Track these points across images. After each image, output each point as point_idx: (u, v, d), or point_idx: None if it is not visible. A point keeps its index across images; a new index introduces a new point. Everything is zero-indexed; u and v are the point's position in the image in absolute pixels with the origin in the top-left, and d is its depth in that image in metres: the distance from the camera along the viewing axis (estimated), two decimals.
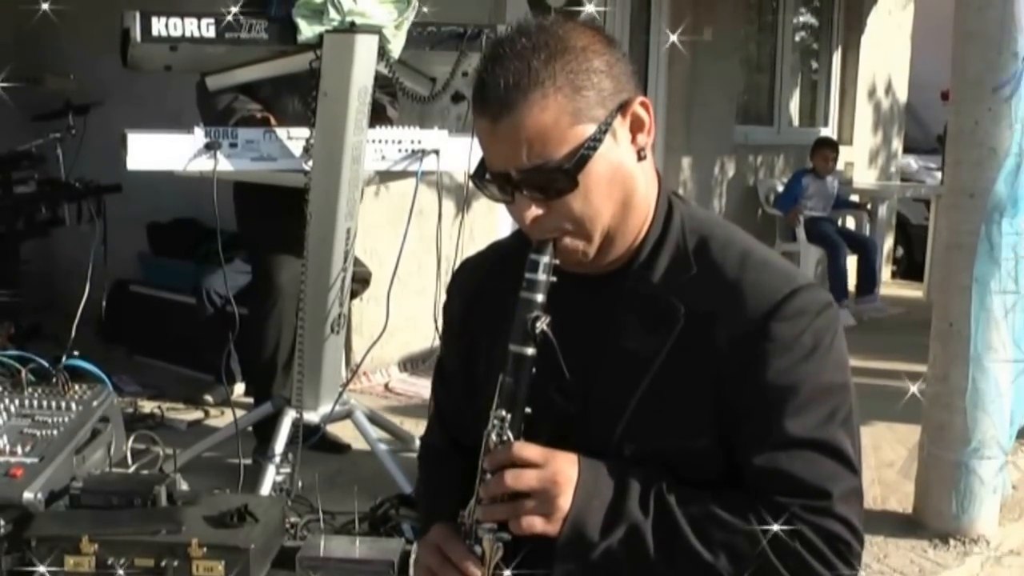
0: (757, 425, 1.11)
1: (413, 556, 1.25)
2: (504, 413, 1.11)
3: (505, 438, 1.11)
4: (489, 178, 1.13)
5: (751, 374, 1.10)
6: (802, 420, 1.10)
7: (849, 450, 1.13)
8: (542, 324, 1.10)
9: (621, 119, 1.11)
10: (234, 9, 2.52)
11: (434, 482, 1.36)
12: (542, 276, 1.11)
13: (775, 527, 1.09)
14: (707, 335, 1.11)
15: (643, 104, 1.12)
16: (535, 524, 1.10)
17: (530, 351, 1.11)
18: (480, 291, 1.28)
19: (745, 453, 1.12)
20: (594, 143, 1.08)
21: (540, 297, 1.10)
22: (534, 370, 1.12)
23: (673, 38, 5.48)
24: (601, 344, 1.16)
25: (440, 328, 1.42)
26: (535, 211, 1.10)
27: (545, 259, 1.11)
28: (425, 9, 2.75)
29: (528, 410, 1.12)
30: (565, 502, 1.09)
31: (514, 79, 1.06)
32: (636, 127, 1.12)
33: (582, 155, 1.07)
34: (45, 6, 2.19)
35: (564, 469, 1.10)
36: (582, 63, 1.08)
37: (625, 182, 1.12)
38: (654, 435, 1.13)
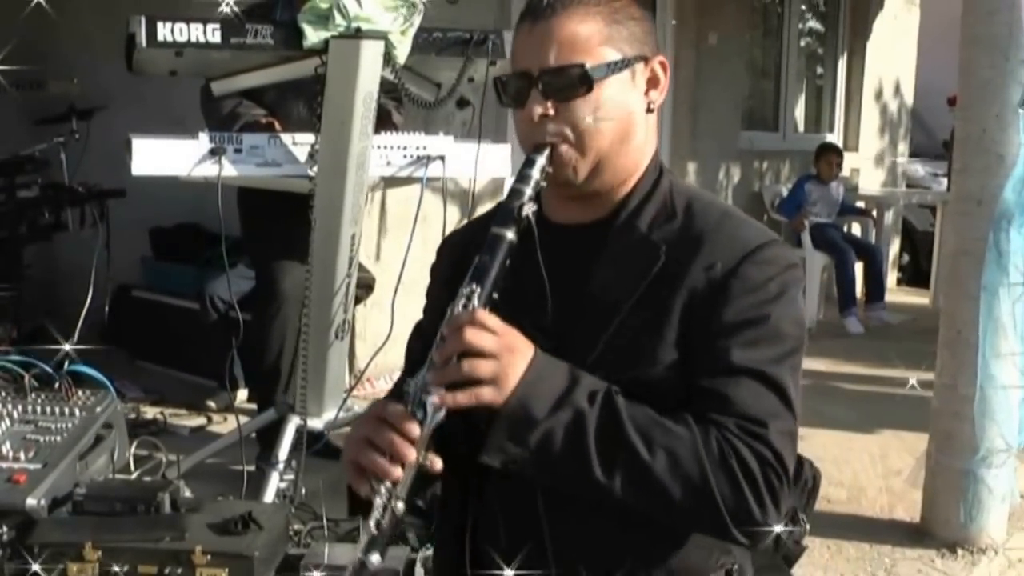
0: (711, 351, 1.16)
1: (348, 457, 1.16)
2: (474, 287, 1.13)
3: (470, 308, 1.12)
4: (508, 80, 1.21)
5: (716, 306, 1.16)
6: (753, 352, 1.15)
7: (792, 394, 1.16)
8: (527, 210, 1.15)
9: (644, 66, 1.22)
10: (232, 4, 2.49)
11: None
12: (535, 173, 1.17)
13: (715, 439, 1.11)
14: (683, 272, 1.18)
15: (662, 64, 1.24)
16: (484, 393, 1.09)
17: (509, 234, 1.14)
18: (466, 253, 1.29)
19: (694, 375, 1.16)
20: (617, 66, 1.18)
21: (529, 190, 1.16)
22: (508, 262, 1.14)
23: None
24: (582, 282, 1.22)
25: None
26: (543, 109, 1.18)
27: (541, 160, 1.18)
28: (431, 14, 2.75)
29: (496, 296, 1.14)
30: (516, 372, 1.10)
31: None
32: (652, 82, 1.23)
33: (604, 68, 1.18)
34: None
35: (521, 343, 1.13)
36: (624, 7, 1.21)
37: (629, 118, 1.22)
38: (622, 364, 1.16)
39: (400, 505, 1.09)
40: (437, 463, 1.11)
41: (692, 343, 1.16)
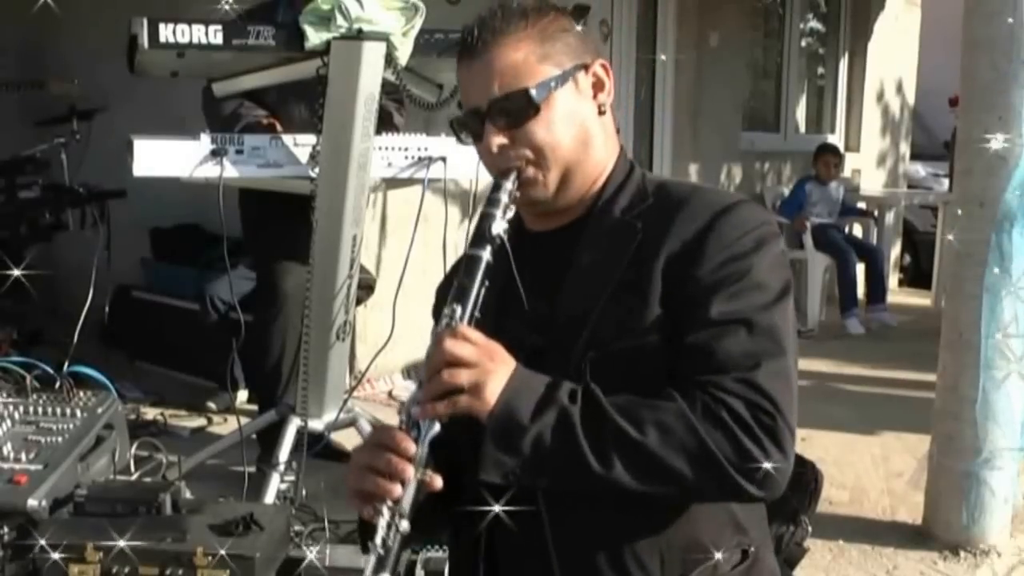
0: (693, 310, 1.17)
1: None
2: (455, 307, 1.16)
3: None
4: (463, 119, 1.26)
5: (694, 263, 1.18)
6: (735, 303, 1.16)
7: (783, 334, 1.17)
8: (497, 229, 1.19)
9: (584, 73, 1.25)
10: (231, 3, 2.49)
11: None
12: (503, 197, 1.22)
13: (701, 399, 1.12)
14: (660, 242, 1.21)
15: (603, 66, 1.27)
16: (461, 400, 1.12)
17: (485, 255, 1.18)
18: None
19: (681, 334, 1.17)
20: (558, 80, 1.22)
21: (498, 212, 1.21)
22: (487, 282, 1.17)
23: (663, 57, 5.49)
24: (564, 272, 1.25)
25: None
26: (500, 139, 1.22)
27: (508, 184, 1.22)
28: (432, 15, 2.75)
29: (478, 315, 1.17)
30: (498, 380, 1.12)
31: (491, 27, 1.22)
32: (597, 87, 1.27)
33: (547, 85, 1.21)
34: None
35: (501, 352, 1.15)
36: (552, 21, 1.25)
37: (584, 124, 1.25)
38: (613, 337, 1.19)
39: (404, 523, 1.10)
40: (437, 481, 1.12)
41: (675, 305, 1.18)
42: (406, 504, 1.10)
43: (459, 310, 1.16)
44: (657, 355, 1.18)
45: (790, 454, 1.14)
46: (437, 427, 1.12)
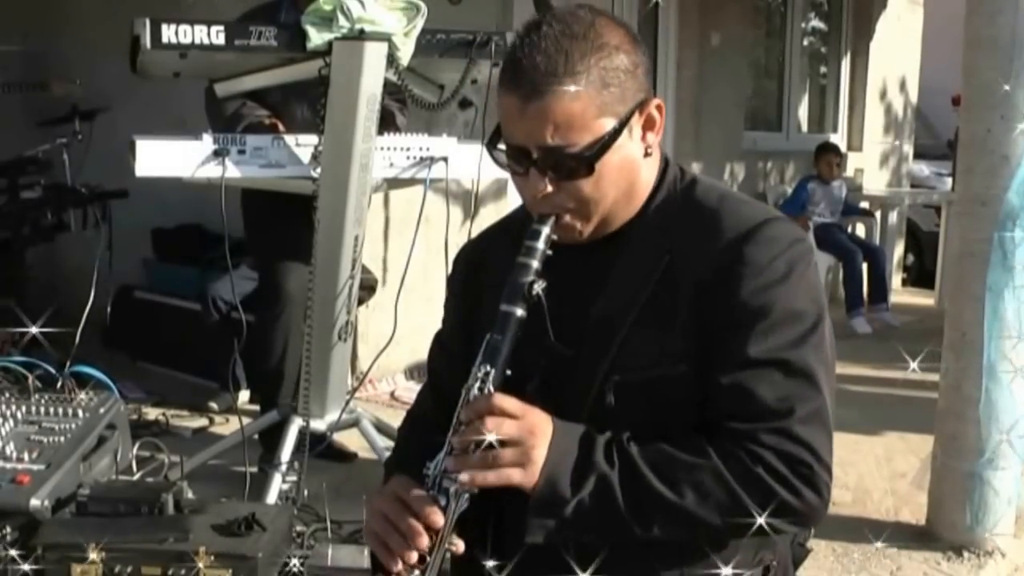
0: (727, 346, 1.14)
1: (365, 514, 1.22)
2: (488, 368, 1.13)
3: (486, 391, 1.13)
4: (504, 149, 1.19)
5: (725, 296, 1.15)
6: (769, 341, 1.14)
7: (817, 372, 1.14)
8: (537, 288, 1.15)
9: (638, 116, 1.19)
10: None
11: (409, 445, 1.35)
12: (540, 245, 1.17)
13: (736, 455, 1.10)
14: (689, 265, 1.17)
15: (658, 107, 1.21)
16: (512, 475, 1.10)
17: (519, 311, 1.15)
18: (483, 262, 1.31)
19: (712, 374, 1.15)
20: (613, 136, 1.15)
21: (536, 264, 1.16)
22: (522, 332, 1.14)
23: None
24: (597, 289, 1.22)
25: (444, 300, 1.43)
26: (546, 188, 1.16)
27: (546, 230, 1.18)
28: (434, 15, 2.74)
29: (509, 372, 1.14)
30: (540, 454, 1.11)
31: (550, 66, 1.12)
32: (648, 126, 1.21)
33: (602, 146, 1.14)
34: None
35: (540, 423, 1.13)
36: (613, 60, 1.14)
37: (631, 173, 1.20)
38: (639, 365, 1.17)
39: None
40: (460, 546, 1.13)
41: (706, 337, 1.15)
42: (430, 572, 1.12)
43: (492, 371, 1.13)
44: (682, 384, 1.16)
45: (827, 493, 1.14)
46: (467, 502, 1.12)
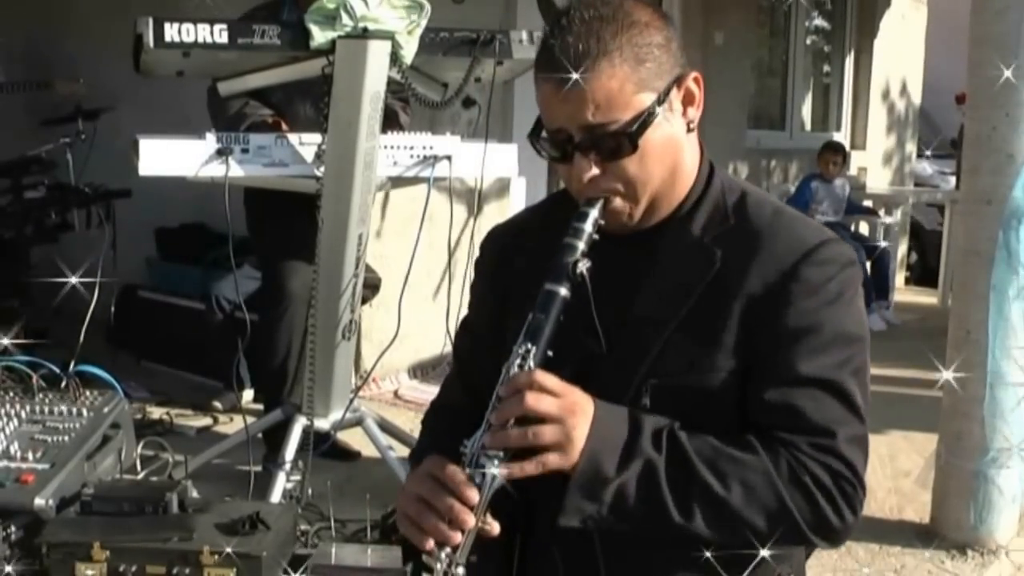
0: (774, 361, 1.14)
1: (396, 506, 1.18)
2: (529, 345, 1.11)
3: (526, 369, 1.11)
4: (546, 136, 1.18)
5: (776, 312, 1.14)
6: (817, 360, 1.14)
7: (858, 399, 1.15)
8: (582, 267, 1.13)
9: (677, 91, 1.19)
10: None
11: (437, 434, 1.32)
12: (588, 227, 1.15)
13: (785, 460, 1.10)
14: (740, 278, 1.16)
15: (696, 79, 1.21)
16: (550, 460, 1.08)
17: (563, 291, 1.13)
18: (518, 245, 1.30)
19: (757, 387, 1.15)
20: (654, 111, 1.15)
21: (582, 245, 1.14)
22: (562, 317, 1.12)
23: None
24: (636, 289, 1.21)
25: (468, 291, 1.42)
26: (592, 171, 1.15)
27: (595, 212, 1.16)
28: (437, 14, 2.74)
29: (551, 353, 1.12)
30: (581, 434, 1.09)
31: (584, 47, 1.12)
32: (688, 100, 1.21)
33: (643, 121, 1.14)
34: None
35: (582, 402, 1.11)
36: (645, 37, 1.15)
37: (675, 151, 1.20)
38: (677, 370, 1.16)
39: (460, 571, 1.09)
40: (495, 528, 1.11)
41: (754, 351, 1.15)
42: (462, 553, 1.09)
43: (533, 350, 1.11)
44: (722, 395, 1.16)
45: (860, 512, 1.15)
46: (502, 482, 1.09)
